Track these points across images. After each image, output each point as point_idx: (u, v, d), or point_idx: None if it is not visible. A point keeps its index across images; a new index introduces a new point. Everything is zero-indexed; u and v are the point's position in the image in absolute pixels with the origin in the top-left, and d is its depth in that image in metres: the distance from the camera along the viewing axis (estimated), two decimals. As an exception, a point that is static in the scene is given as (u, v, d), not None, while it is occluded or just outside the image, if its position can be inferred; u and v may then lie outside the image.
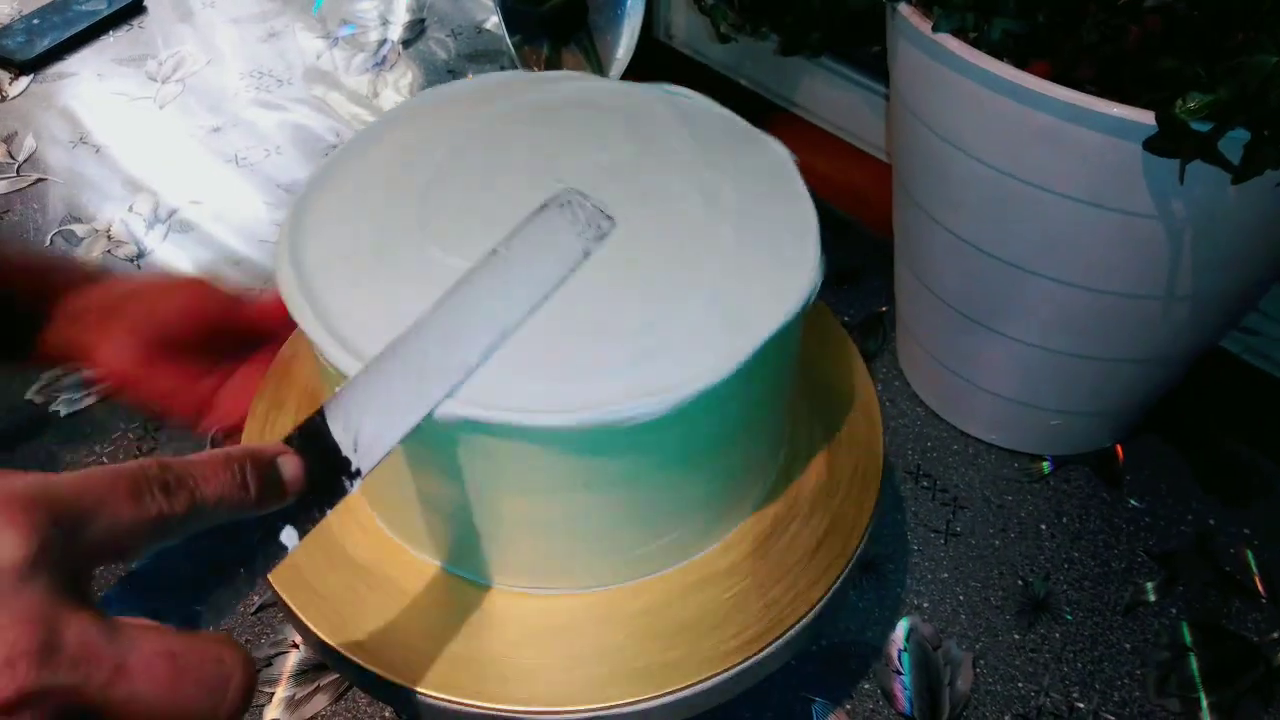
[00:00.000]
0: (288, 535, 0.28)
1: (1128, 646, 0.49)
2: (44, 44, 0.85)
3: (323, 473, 0.29)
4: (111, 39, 0.89)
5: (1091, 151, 0.39)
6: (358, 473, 0.29)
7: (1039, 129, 0.40)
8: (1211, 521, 0.54)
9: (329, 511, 0.29)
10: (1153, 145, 0.37)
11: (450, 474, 0.35)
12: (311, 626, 0.38)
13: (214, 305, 0.45)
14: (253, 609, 0.50)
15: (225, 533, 0.26)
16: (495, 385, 0.32)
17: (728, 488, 0.40)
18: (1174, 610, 0.50)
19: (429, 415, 0.31)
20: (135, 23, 0.90)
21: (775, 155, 0.41)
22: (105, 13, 0.89)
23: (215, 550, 0.26)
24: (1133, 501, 0.55)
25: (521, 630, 0.38)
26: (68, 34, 0.87)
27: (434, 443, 0.34)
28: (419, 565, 0.40)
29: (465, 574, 0.40)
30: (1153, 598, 0.51)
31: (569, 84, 0.45)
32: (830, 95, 0.76)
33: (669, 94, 0.44)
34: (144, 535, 0.23)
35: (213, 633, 0.24)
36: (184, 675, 0.22)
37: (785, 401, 0.41)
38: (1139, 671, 0.48)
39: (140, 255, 0.68)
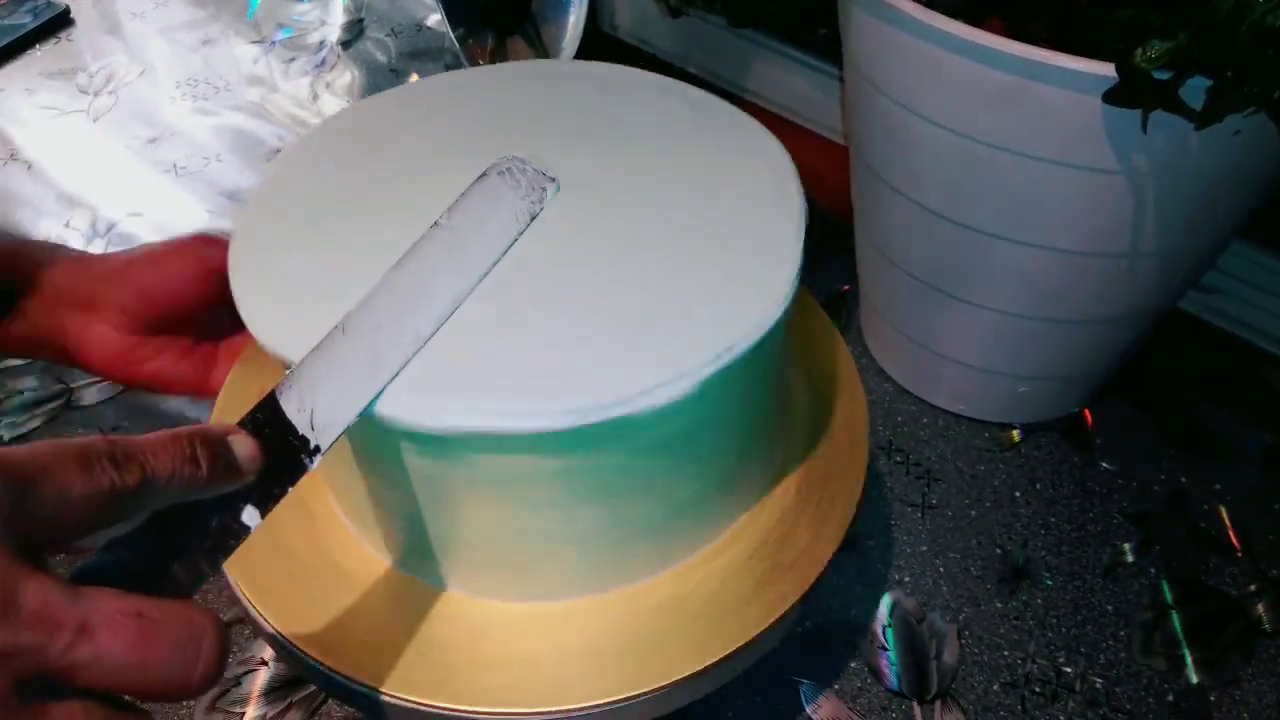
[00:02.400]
0: (249, 515, 0.27)
1: (1110, 608, 0.49)
2: (-34, 61, 0.82)
3: (282, 451, 0.28)
4: (39, 52, 0.86)
5: (1051, 108, 0.39)
6: (317, 449, 0.29)
7: (997, 88, 0.40)
8: (1183, 480, 0.54)
9: (290, 489, 0.28)
10: (1113, 97, 0.37)
11: (419, 484, 0.34)
12: (269, 621, 0.37)
13: (212, 271, 0.39)
14: (217, 626, 0.48)
15: (184, 515, 0.25)
16: (465, 390, 0.31)
17: (714, 495, 0.39)
18: (1153, 570, 0.50)
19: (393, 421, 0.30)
20: (63, 35, 0.88)
21: (763, 145, 0.40)
22: (30, 26, 0.86)
23: (174, 534, 0.25)
24: (1104, 464, 0.55)
25: (504, 634, 0.37)
26: (-9, 50, 0.84)
27: (414, 451, 0.32)
28: (390, 572, 0.39)
29: (436, 582, 0.39)
30: (1131, 558, 0.51)
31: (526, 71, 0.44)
32: (781, 79, 0.75)
33: (658, 84, 0.43)
34: (95, 508, 0.22)
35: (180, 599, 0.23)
36: (152, 636, 0.21)
37: (778, 395, 0.40)
38: (1123, 632, 0.48)
39: (79, 271, 0.66)
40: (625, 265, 0.35)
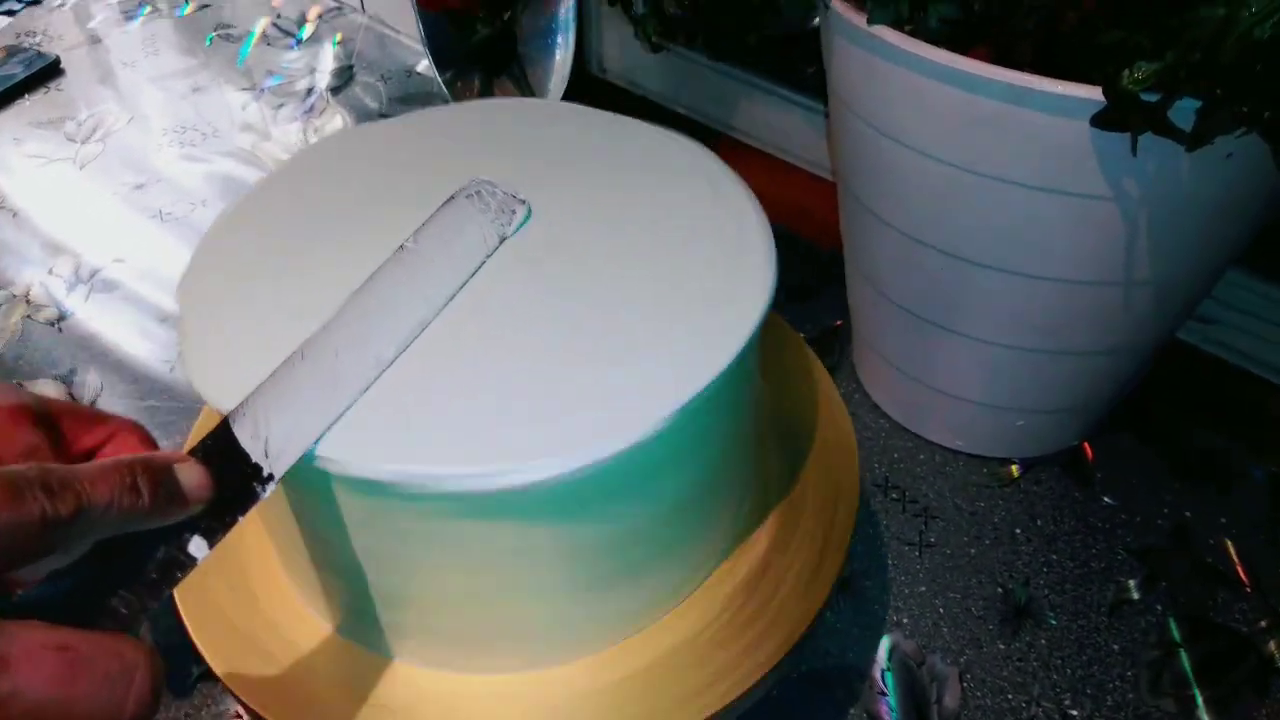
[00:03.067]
0: (196, 545, 0.26)
1: (1116, 648, 0.47)
2: (-45, 111, 0.82)
3: (234, 480, 0.27)
4: (28, 102, 0.86)
5: (1038, 134, 0.38)
6: (270, 477, 0.28)
7: (982, 115, 0.39)
8: (1188, 514, 0.53)
9: (241, 519, 0.27)
10: (1101, 120, 0.36)
11: (362, 539, 0.32)
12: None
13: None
14: (191, 679, 0.46)
15: (128, 545, 0.24)
16: (409, 442, 0.30)
17: (691, 542, 0.37)
18: (1159, 607, 0.49)
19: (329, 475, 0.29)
20: (53, 85, 0.88)
21: (728, 184, 0.40)
22: (20, 77, 0.86)
23: (117, 565, 0.24)
24: (1106, 499, 0.53)
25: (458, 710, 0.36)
26: (-20, 100, 0.84)
27: (354, 502, 0.31)
28: (335, 640, 0.37)
29: (383, 652, 0.37)
30: (1136, 595, 0.49)
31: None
32: (769, 117, 0.75)
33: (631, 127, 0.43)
34: (26, 538, 0.21)
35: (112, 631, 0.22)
36: (78, 669, 0.20)
37: (751, 434, 0.39)
38: (1130, 672, 0.46)
39: (61, 318, 0.65)
40: (585, 303, 0.34)
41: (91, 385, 0.60)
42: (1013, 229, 0.42)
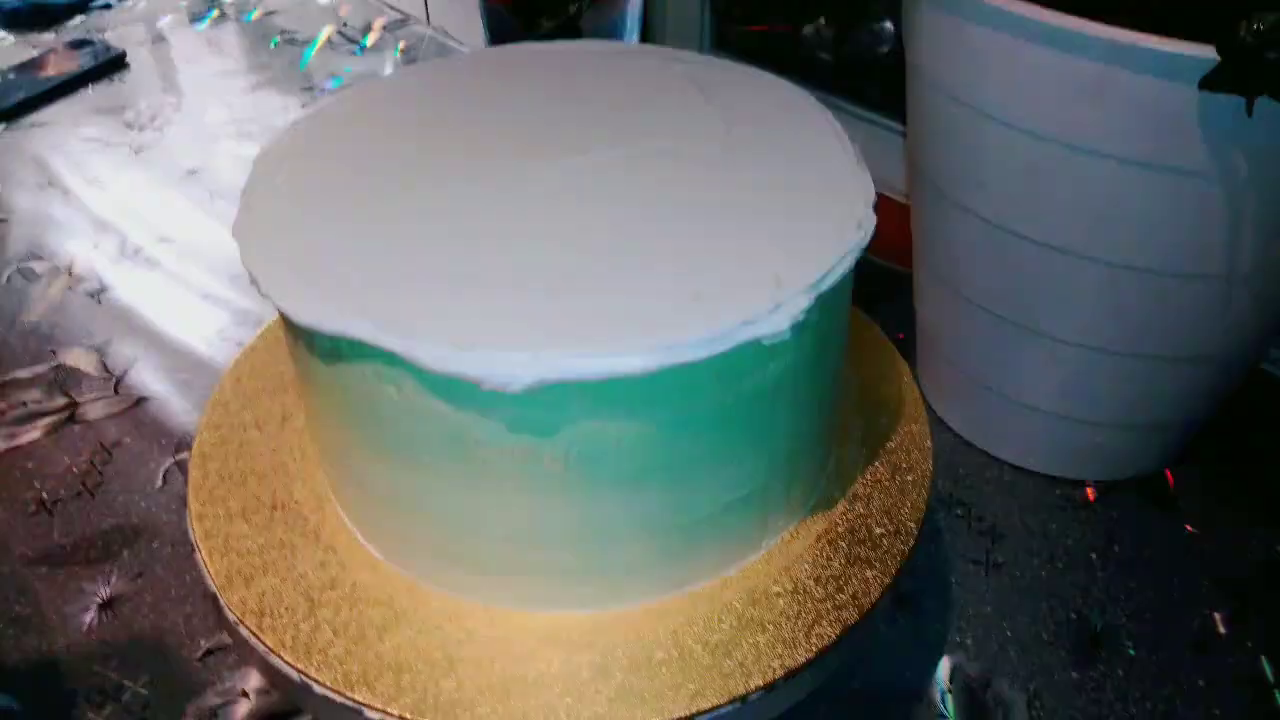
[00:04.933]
0: None
1: (1201, 683, 0.43)
2: (18, 95, 0.83)
3: None
4: (91, 91, 0.86)
5: (1139, 101, 0.36)
6: None
7: (1080, 81, 0.36)
8: (1278, 548, 0.48)
9: None
10: (1212, 82, 0.33)
11: (476, 466, 0.31)
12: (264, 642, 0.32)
13: None
14: (198, 654, 0.44)
15: None
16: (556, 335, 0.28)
17: (776, 486, 0.35)
18: (1249, 643, 0.44)
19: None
20: (117, 78, 0.88)
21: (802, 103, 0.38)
22: (87, 67, 0.87)
23: None
24: (1190, 528, 0.49)
25: (537, 650, 0.33)
26: (45, 87, 0.84)
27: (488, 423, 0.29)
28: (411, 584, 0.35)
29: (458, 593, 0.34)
30: (1223, 630, 0.45)
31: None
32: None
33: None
34: None
35: None
36: None
37: (833, 386, 0.37)
38: (1217, 711, 0.42)
39: (102, 290, 0.64)
40: (695, 209, 0.32)
41: (125, 356, 0.59)
42: (1107, 212, 0.39)
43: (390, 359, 0.28)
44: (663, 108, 0.38)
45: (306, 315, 0.29)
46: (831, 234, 0.32)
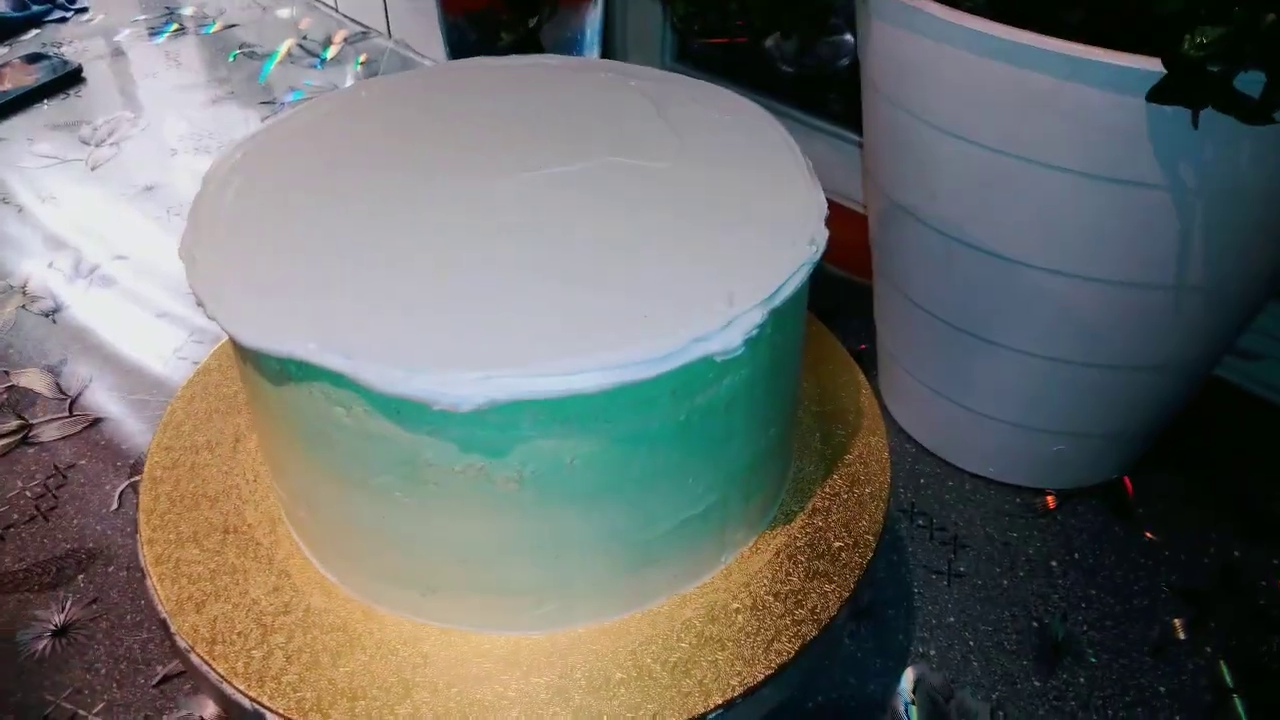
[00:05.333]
0: None
1: (1162, 690, 0.43)
2: (-29, 111, 0.82)
3: None
4: (46, 107, 0.85)
5: (1090, 114, 0.36)
6: None
7: (1033, 94, 0.37)
8: (1236, 554, 0.49)
9: None
10: (1159, 94, 0.34)
11: (422, 489, 0.30)
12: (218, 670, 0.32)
13: None
14: (154, 681, 0.43)
15: None
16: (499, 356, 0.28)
17: (734, 500, 0.35)
18: (1208, 649, 0.45)
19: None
20: (73, 92, 0.87)
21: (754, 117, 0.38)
22: (42, 81, 0.86)
23: None
24: (1149, 535, 0.50)
25: (495, 673, 0.32)
26: (-1, 102, 0.83)
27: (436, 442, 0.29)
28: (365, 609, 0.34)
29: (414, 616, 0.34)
30: (1183, 636, 0.45)
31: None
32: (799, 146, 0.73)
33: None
34: None
35: None
36: None
37: (790, 400, 0.37)
38: (1178, 718, 0.42)
39: (57, 310, 0.63)
40: (648, 225, 0.32)
41: (80, 377, 0.58)
42: (1060, 223, 0.40)
43: (338, 380, 0.28)
44: (616, 123, 0.38)
45: (252, 337, 0.28)
46: (784, 248, 0.32)
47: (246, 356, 0.31)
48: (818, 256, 0.32)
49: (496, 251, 0.31)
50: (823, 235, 0.33)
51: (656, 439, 0.30)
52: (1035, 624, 0.46)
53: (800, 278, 0.31)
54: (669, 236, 0.32)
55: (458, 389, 0.27)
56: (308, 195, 0.34)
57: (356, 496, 0.31)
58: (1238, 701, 0.43)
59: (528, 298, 0.30)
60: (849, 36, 0.70)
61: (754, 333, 0.29)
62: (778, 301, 0.30)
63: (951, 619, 0.46)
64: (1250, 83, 0.32)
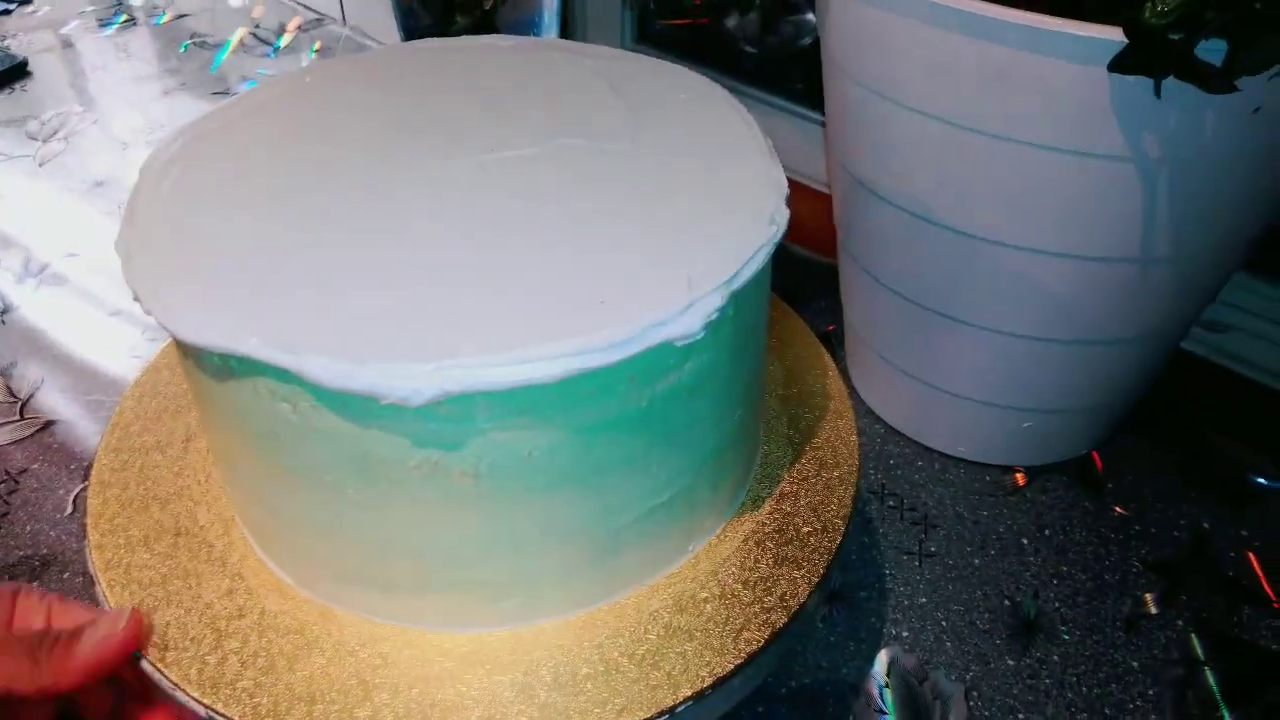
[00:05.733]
0: None
1: (1135, 664, 0.43)
2: (-87, 108, 0.79)
3: None
4: (-10, 102, 0.83)
5: (1052, 86, 0.36)
6: None
7: (995, 66, 0.36)
8: (1206, 525, 0.49)
9: None
10: (1121, 64, 0.33)
11: (379, 485, 0.29)
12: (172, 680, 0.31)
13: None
14: (113, 687, 0.42)
15: None
16: (456, 345, 0.27)
17: (701, 488, 0.34)
18: (1179, 622, 0.45)
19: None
20: (19, 86, 0.85)
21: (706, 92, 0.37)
22: (-16, 77, 0.83)
23: None
24: (1118, 509, 0.50)
25: (458, 671, 0.32)
26: (-59, 99, 0.81)
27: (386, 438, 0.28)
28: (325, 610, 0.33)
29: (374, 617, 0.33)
30: (1154, 610, 0.45)
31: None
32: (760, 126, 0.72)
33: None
34: None
35: None
36: None
37: (755, 383, 0.36)
38: (1151, 692, 0.42)
39: (6, 311, 0.61)
40: (604, 208, 0.32)
41: (31, 379, 0.56)
42: (1024, 198, 0.39)
43: (283, 375, 0.26)
44: (571, 104, 0.37)
45: (191, 332, 0.27)
46: (744, 229, 0.31)
47: (188, 353, 0.30)
48: (778, 236, 0.31)
49: (447, 238, 0.30)
50: (783, 215, 0.32)
51: (617, 427, 0.29)
52: (1007, 602, 0.45)
53: (761, 259, 0.30)
54: (626, 219, 0.31)
55: (408, 381, 0.26)
56: (250, 184, 0.33)
57: (308, 495, 0.30)
58: (1208, 673, 0.42)
59: (480, 285, 0.29)
60: (811, 16, 0.69)
61: (714, 316, 0.28)
62: (738, 284, 0.29)
63: (924, 600, 0.46)
64: (1212, 51, 0.32)
